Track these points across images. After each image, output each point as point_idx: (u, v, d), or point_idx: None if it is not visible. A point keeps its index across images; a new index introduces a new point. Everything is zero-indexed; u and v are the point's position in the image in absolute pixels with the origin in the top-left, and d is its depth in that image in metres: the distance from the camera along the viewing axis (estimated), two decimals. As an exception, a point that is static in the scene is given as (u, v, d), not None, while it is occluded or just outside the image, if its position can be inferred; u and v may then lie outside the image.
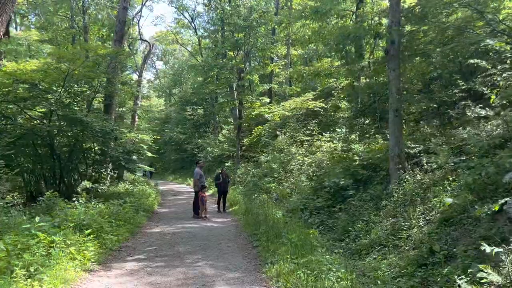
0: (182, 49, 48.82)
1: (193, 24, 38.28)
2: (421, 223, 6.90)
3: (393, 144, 9.54)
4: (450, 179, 7.36)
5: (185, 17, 39.16)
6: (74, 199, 9.37)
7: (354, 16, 16.85)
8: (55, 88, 11.83)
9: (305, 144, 17.62)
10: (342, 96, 20.62)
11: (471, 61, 9.14)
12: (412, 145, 9.54)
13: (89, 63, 12.03)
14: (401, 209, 7.97)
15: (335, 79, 20.07)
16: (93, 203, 10.05)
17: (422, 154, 9.31)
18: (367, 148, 11.72)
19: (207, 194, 12.12)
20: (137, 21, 26.29)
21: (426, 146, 9.33)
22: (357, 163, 10.66)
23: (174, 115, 43.20)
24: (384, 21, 10.97)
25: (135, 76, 40.45)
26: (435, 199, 7.10)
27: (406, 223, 7.23)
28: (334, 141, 16.38)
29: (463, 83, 9.56)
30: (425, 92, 10.34)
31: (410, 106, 10.30)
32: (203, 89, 25.58)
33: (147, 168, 19.56)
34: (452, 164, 7.94)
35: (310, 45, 21.37)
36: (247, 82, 23.07)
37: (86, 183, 10.57)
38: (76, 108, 12.77)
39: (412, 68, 10.41)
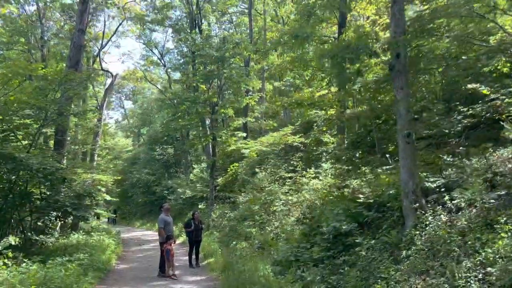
0: (152, 88, 47.09)
1: (162, 61, 36.73)
2: (473, 286, 4.96)
3: (406, 177, 7.74)
4: (502, 220, 5.54)
5: (154, 53, 37.69)
6: (-7, 262, 6.93)
7: (336, 42, 15.56)
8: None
9: (288, 182, 15.70)
10: (324, 129, 19.09)
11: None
12: (431, 178, 7.77)
13: (29, 87, 9.89)
14: (433, 262, 6.03)
15: (316, 111, 18.57)
16: (24, 264, 7.61)
17: (442, 189, 7.56)
18: (368, 183, 9.90)
19: (174, 245, 9.75)
20: (99, 56, 24.35)
21: (448, 178, 7.59)
22: (361, 201, 8.75)
23: (143, 156, 40.67)
24: (382, 34, 9.53)
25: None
26: (488, 250, 5.21)
27: (448, 284, 5.29)
28: (320, 177, 14.57)
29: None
30: (442, 113, 8.75)
31: (427, 129, 8.63)
32: (173, 125, 23.55)
33: (104, 213, 16.98)
34: (493, 200, 6.17)
35: (289, 74, 19.95)
36: (220, 116, 21.27)
37: (12, 239, 8.18)
38: (14, 143, 10.45)
39: (421, 87, 8.88)
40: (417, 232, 6.94)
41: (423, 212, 7.37)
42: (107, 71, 20.57)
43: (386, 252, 7.27)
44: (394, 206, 8.18)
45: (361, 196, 8.72)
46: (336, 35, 16.25)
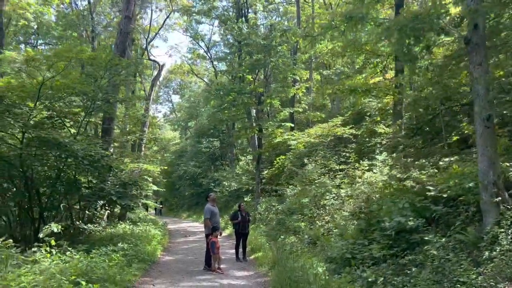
0: (199, 81, 47.35)
1: (209, 54, 36.64)
2: None
3: (485, 167, 6.67)
4: None
5: (201, 46, 37.70)
6: (35, 249, 6.70)
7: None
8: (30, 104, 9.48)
9: (339, 174, 14.78)
10: (378, 119, 17.90)
11: None
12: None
13: (73, 72, 9.72)
14: (527, 267, 5.02)
15: (370, 99, 17.45)
16: (68, 253, 7.37)
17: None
18: (434, 174, 8.83)
19: (220, 237, 9.20)
20: (146, 49, 24.42)
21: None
22: (429, 194, 7.74)
23: (190, 148, 40.99)
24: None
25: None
26: None
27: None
28: (375, 170, 13.52)
29: None
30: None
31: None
32: (219, 116, 23.22)
33: (151, 204, 16.87)
34: None
35: (339, 61, 18.89)
36: (267, 106, 20.59)
37: (54, 226, 7.98)
38: (61, 130, 10.37)
39: (500, 64, 7.68)
40: (502, 230, 5.91)
41: (507, 207, 6.31)
42: (154, 61, 20.49)
43: (462, 252, 6.28)
44: (469, 200, 7.12)
45: (431, 188, 7.69)
46: (393, 17, 15.05)
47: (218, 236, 9.08)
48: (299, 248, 9.59)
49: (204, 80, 38.28)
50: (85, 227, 11.35)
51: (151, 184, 14.94)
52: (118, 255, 8.57)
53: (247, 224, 10.84)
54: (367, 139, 17.89)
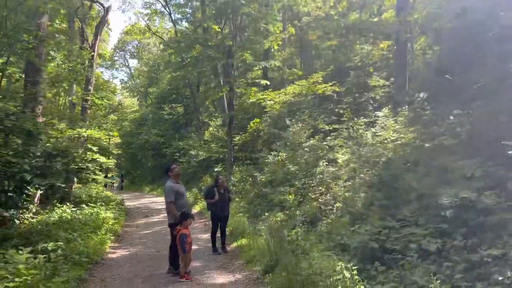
0: (158, 44, 43.04)
1: (167, 8, 32.54)
2: None
3: None
4: None
5: (158, 0, 33.44)
6: None
7: None
8: None
9: (331, 136, 12.24)
10: (371, 70, 15.41)
11: None
12: None
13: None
14: None
15: (363, 45, 14.86)
16: None
17: None
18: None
19: (189, 225, 6.30)
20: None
21: None
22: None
23: (151, 116, 37.43)
24: None
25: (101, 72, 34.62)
26: None
27: None
28: (373, 128, 11.08)
29: None
30: None
31: None
32: (181, 73, 19.97)
33: (100, 179, 13.78)
34: None
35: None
36: (238, 60, 17.52)
37: None
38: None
39: None
40: None
41: None
42: (98, 1, 16.72)
43: None
44: None
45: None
46: None
47: (188, 226, 6.22)
48: (299, 234, 6.97)
49: (163, 39, 34.25)
50: (6, 214, 8.27)
51: (97, 155, 11.82)
52: (36, 261, 5.66)
53: (227, 205, 8.07)
54: (356, 95, 15.45)
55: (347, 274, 4.83)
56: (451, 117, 7.65)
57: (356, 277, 4.81)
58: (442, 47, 8.77)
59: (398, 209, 6.75)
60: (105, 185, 30.91)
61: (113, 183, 32.77)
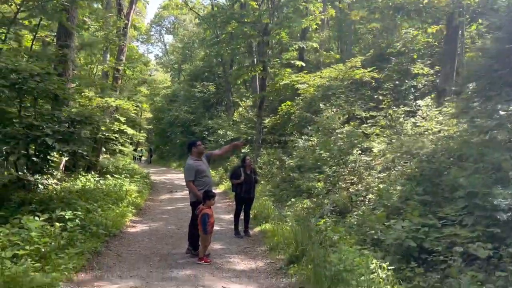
0: (194, 20, 42.64)
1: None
2: None
3: None
4: None
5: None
6: None
7: None
8: None
9: (368, 123, 11.56)
10: (415, 56, 14.51)
11: None
12: None
13: None
14: None
15: (407, 29, 13.93)
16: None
17: None
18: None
19: (212, 205, 5.92)
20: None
21: None
22: None
23: (182, 93, 37.38)
24: None
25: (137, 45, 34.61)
26: None
27: None
28: (414, 118, 10.31)
29: None
30: None
31: None
32: (215, 50, 19.48)
33: (127, 150, 13.64)
34: None
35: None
36: (274, 38, 16.86)
37: None
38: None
39: None
40: None
41: None
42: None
43: None
44: None
45: None
46: None
47: (211, 206, 5.83)
48: (328, 224, 6.47)
49: (199, 15, 33.88)
50: (30, 179, 8.19)
51: (124, 126, 11.61)
52: (52, 229, 5.45)
53: (253, 186, 7.63)
54: (396, 82, 14.58)
55: (381, 274, 4.32)
56: (502, 112, 6.88)
57: (392, 278, 4.30)
58: (501, 32, 7.88)
59: (440, 206, 6.15)
60: (134, 158, 31.29)
61: (141, 156, 33.11)
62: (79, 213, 6.39)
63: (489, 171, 5.47)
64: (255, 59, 19.04)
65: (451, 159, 7.16)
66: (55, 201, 7.09)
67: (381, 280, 4.20)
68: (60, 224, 5.71)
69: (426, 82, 13.27)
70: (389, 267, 4.58)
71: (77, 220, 6.11)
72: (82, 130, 7.33)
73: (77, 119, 7.37)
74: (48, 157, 8.23)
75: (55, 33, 10.35)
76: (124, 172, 13.80)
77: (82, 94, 10.35)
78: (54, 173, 9.41)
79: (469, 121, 7.38)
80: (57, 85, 7.31)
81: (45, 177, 8.96)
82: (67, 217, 5.94)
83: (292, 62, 17.32)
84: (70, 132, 7.03)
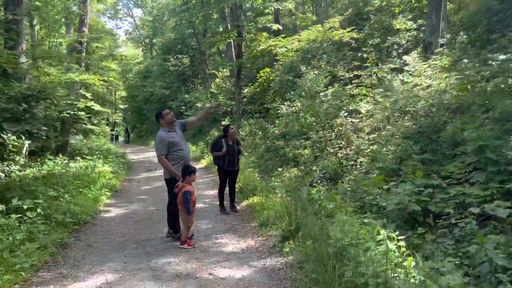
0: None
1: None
2: None
3: None
4: None
5: None
6: None
7: None
8: None
9: (353, 83, 10.93)
10: (396, 10, 13.84)
11: None
12: None
13: None
14: None
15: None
16: None
17: None
18: None
19: (193, 181, 5.20)
20: None
21: None
22: None
23: (155, 68, 35.90)
24: None
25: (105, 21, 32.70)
26: None
27: None
28: (400, 74, 9.73)
29: None
30: None
31: None
32: (185, 18, 18.32)
33: (97, 129, 12.69)
34: None
35: None
36: (247, 2, 15.86)
37: None
38: None
39: None
40: None
41: None
42: None
43: None
44: None
45: None
46: None
47: (191, 183, 5.12)
48: (322, 193, 5.88)
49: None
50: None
51: (91, 103, 10.62)
52: (7, 221, 4.69)
53: (236, 158, 6.95)
54: (378, 39, 13.90)
55: (391, 246, 3.76)
56: (502, 56, 6.33)
57: (403, 249, 3.75)
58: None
59: (442, 165, 5.63)
60: (111, 139, 30.13)
61: (117, 136, 31.94)
62: (41, 201, 5.61)
63: (499, 121, 4.92)
64: (229, 25, 18.00)
65: (447, 113, 6.64)
66: (13, 190, 6.26)
67: (391, 252, 3.64)
68: (17, 216, 4.94)
69: (409, 38, 12.66)
70: (398, 237, 4.03)
71: (38, 210, 5.35)
72: (37, 107, 6.46)
73: (27, 93, 6.44)
74: (0, 140, 7.32)
75: (2, 2, 9.19)
76: (97, 153, 12.91)
77: (40, 70, 9.33)
78: (16, 159, 8.52)
79: (464, 71, 6.79)
80: (5, 59, 6.35)
81: (5, 163, 8.08)
82: (25, 207, 5.17)
83: (268, 26, 16.37)
84: (22, 110, 6.15)
